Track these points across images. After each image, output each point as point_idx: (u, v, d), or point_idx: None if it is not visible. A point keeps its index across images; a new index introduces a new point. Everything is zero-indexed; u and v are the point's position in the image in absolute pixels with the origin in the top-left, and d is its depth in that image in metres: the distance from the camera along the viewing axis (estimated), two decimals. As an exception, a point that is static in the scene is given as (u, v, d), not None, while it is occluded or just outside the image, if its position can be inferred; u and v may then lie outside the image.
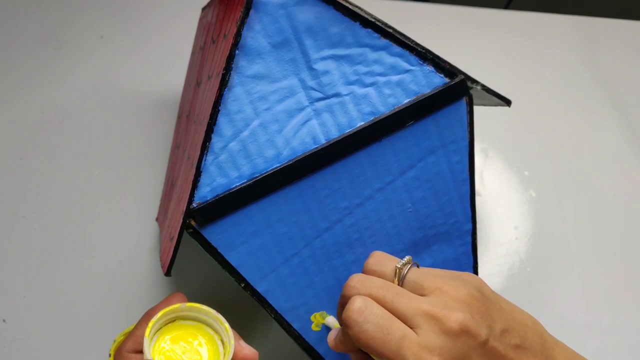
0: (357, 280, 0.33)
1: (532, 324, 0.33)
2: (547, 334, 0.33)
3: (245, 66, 0.35)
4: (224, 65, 0.35)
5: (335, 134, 0.37)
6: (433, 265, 0.41)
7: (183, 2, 0.70)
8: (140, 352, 0.33)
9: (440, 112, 0.39)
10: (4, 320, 0.50)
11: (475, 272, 0.43)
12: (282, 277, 0.38)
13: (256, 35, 0.35)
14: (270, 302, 0.38)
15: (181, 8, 0.70)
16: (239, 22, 0.35)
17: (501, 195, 0.57)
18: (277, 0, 0.35)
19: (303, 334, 0.39)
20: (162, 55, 0.67)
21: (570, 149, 0.61)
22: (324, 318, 0.39)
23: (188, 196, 0.36)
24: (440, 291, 0.31)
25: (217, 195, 0.36)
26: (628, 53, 0.69)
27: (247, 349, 0.34)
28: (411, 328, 0.30)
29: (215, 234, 0.36)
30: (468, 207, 0.41)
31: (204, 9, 0.52)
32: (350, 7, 0.36)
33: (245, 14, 0.34)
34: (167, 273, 0.38)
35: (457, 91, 0.39)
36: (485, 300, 0.31)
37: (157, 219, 0.52)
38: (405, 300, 0.31)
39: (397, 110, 0.38)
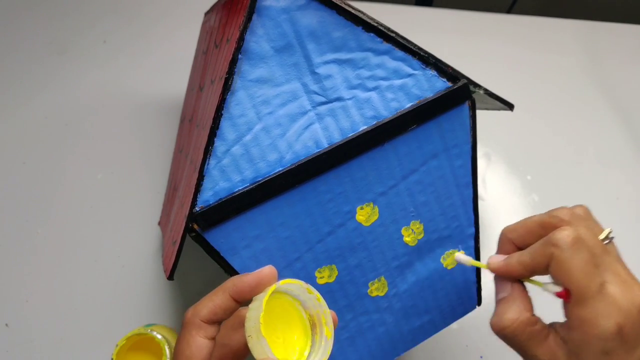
0: (570, 216, 0.33)
1: None
2: None
3: (248, 70, 0.35)
4: (226, 70, 0.35)
5: (337, 138, 0.37)
6: (435, 269, 0.41)
7: (186, 7, 0.70)
8: (216, 322, 0.32)
9: (442, 116, 0.39)
10: (6, 325, 0.50)
11: (478, 276, 0.43)
12: (284, 281, 0.38)
13: (259, 39, 0.35)
14: (273, 306, 0.38)
15: (184, 13, 0.70)
16: (241, 27, 0.35)
17: (504, 199, 0.57)
18: (280, 5, 0.35)
19: (306, 339, 0.39)
20: (165, 60, 0.67)
21: (573, 153, 0.61)
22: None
23: (191, 200, 0.36)
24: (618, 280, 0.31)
25: (220, 199, 0.36)
26: (630, 57, 0.69)
27: (266, 269, 0.32)
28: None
29: (218, 237, 0.36)
30: (471, 211, 0.41)
31: (206, 13, 0.53)
32: (352, 11, 0.36)
33: (248, 19, 0.34)
34: (170, 277, 0.38)
35: (459, 95, 0.39)
36: None
37: (159, 223, 0.52)
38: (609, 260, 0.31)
39: (399, 114, 0.38)
